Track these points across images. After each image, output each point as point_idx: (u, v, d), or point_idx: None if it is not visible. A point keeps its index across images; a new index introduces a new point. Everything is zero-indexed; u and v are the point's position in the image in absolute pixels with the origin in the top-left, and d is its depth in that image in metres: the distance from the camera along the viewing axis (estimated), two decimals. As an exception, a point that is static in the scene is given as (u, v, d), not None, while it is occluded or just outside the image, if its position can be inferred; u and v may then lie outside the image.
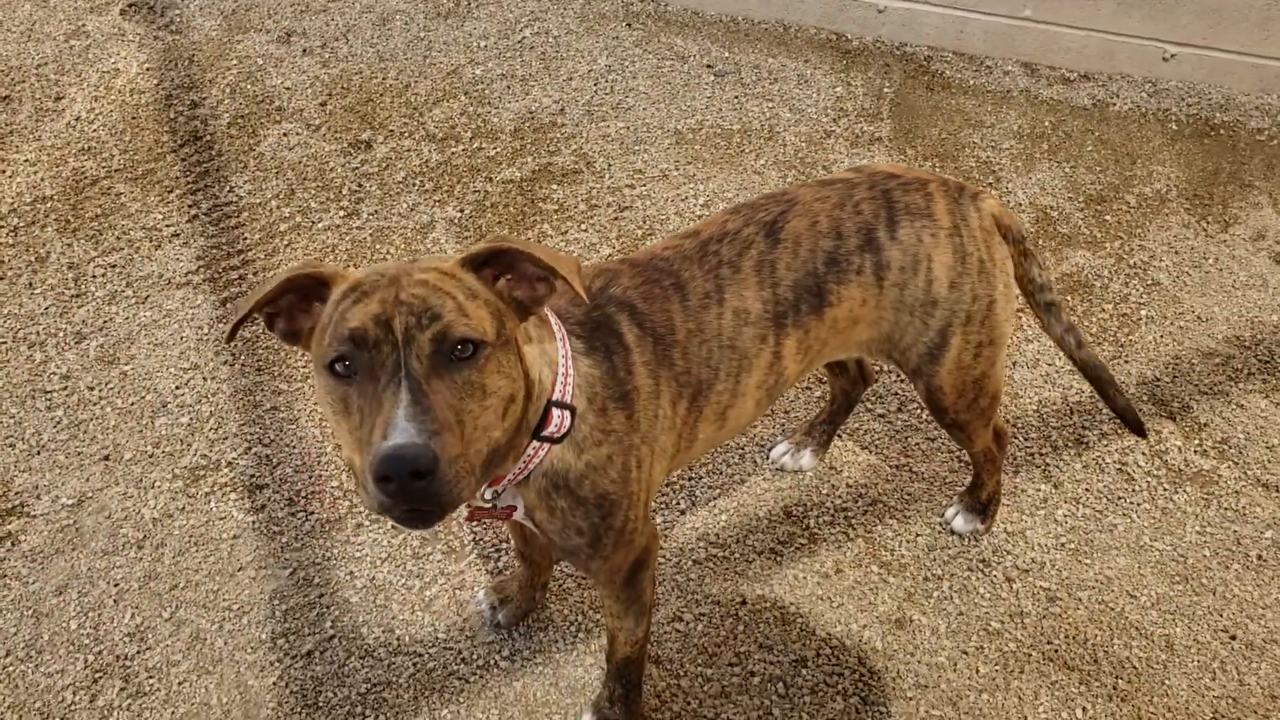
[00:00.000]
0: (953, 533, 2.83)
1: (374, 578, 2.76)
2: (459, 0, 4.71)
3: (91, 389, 3.22)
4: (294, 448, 3.05)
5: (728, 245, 2.02)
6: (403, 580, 2.76)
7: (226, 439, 3.08)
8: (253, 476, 2.99)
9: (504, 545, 2.84)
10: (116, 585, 2.75)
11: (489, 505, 1.87)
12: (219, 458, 3.04)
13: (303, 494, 2.95)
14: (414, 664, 2.60)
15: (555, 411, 1.73)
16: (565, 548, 1.95)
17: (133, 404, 3.18)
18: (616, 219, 3.69)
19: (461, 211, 3.74)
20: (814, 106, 4.17)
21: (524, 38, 4.50)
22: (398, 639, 2.64)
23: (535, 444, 1.75)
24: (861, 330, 2.16)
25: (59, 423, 3.13)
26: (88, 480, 2.99)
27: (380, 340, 1.45)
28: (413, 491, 1.36)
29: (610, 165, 3.91)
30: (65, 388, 3.22)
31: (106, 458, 3.04)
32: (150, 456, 3.04)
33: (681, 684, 2.55)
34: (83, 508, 2.92)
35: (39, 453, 3.06)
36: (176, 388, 3.22)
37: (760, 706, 2.50)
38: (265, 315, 1.64)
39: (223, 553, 2.82)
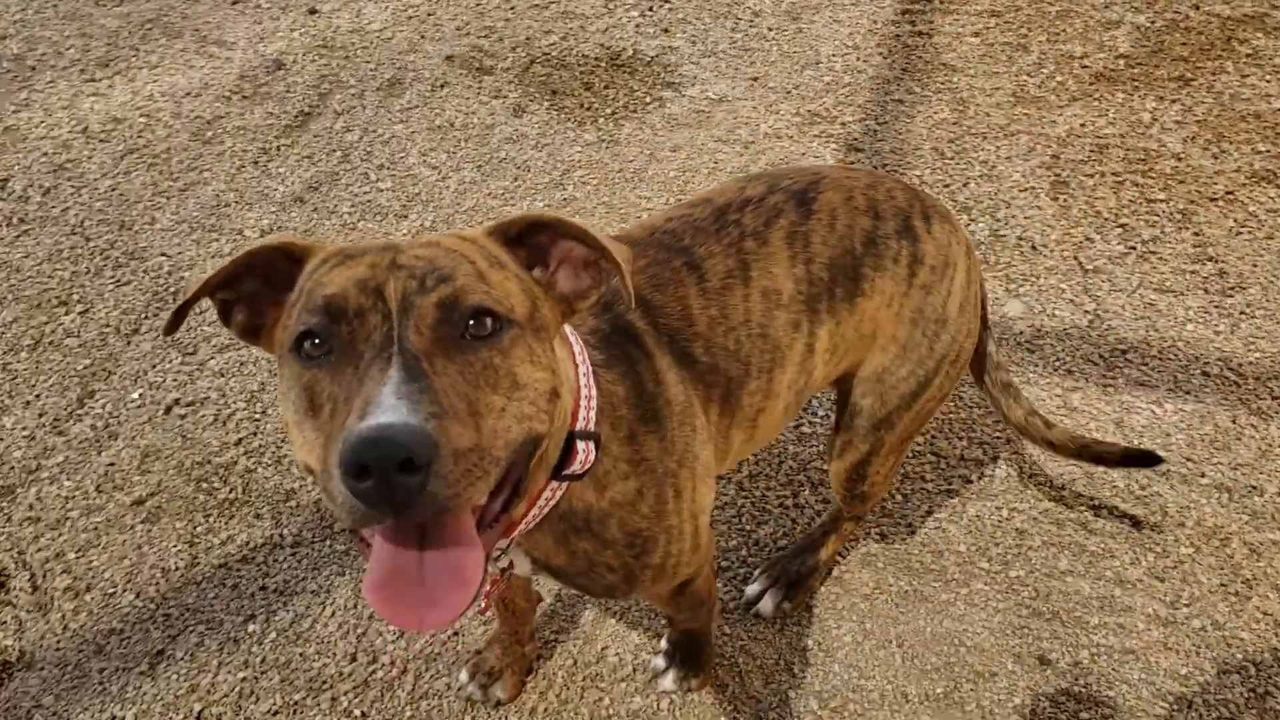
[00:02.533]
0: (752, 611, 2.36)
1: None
2: None
3: (770, 30, 3.72)
4: (901, 137, 3.34)
5: (751, 213, 1.69)
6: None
7: (850, 107, 3.45)
8: (854, 138, 3.34)
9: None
10: (714, 164, 3.26)
11: (499, 571, 1.47)
12: (837, 115, 3.42)
13: (885, 168, 3.25)
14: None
15: (580, 444, 1.35)
16: (594, 589, 1.60)
17: (793, 52, 3.64)
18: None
19: (1152, 22, 3.72)
20: None
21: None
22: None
23: (554, 484, 1.37)
24: (868, 347, 1.83)
25: (734, 42, 3.67)
26: (732, 88, 3.51)
27: (365, 310, 1.10)
28: (400, 491, 0.96)
29: (1329, 36, 3.66)
30: (752, 21, 3.76)
31: (754, 79, 3.54)
32: (785, 92, 3.49)
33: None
34: (719, 105, 3.45)
35: (709, 56, 3.63)
36: (832, 54, 3.62)
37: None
38: (219, 302, 1.28)
39: (803, 178, 3.22)
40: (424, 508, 0.98)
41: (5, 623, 2.36)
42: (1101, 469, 2.49)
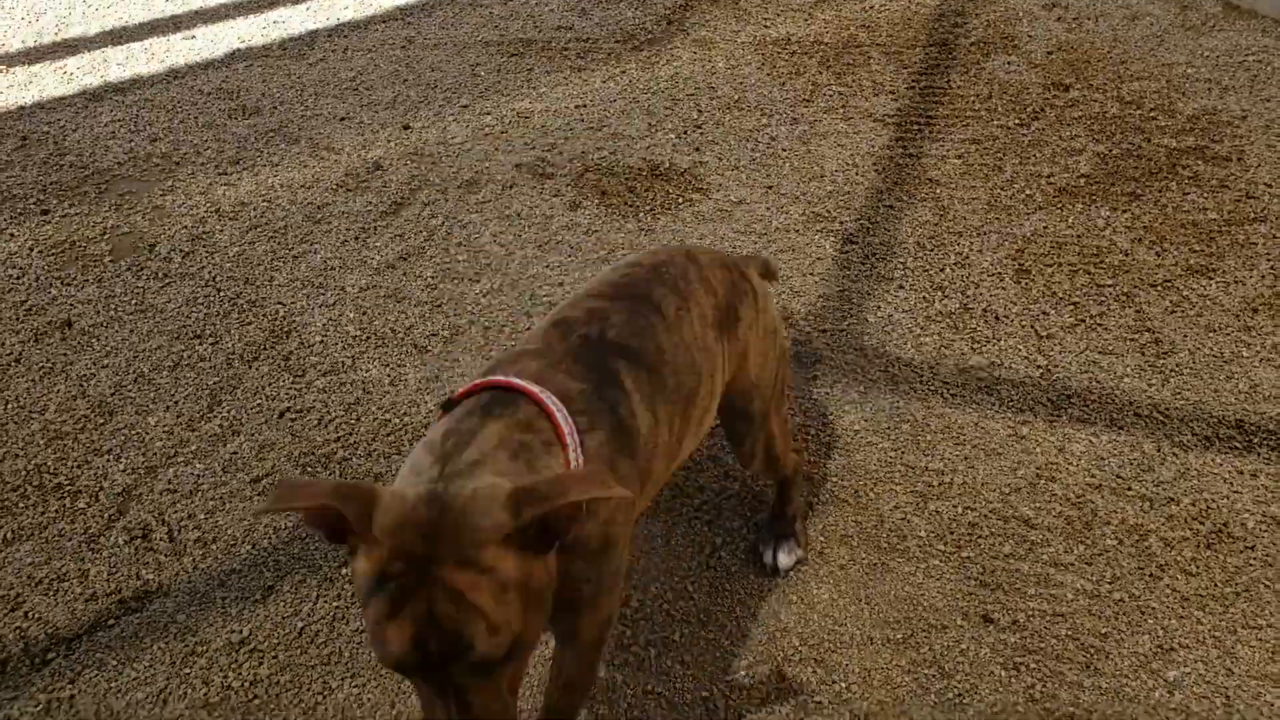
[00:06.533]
0: (778, 572, 2.89)
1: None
2: (1205, 19, 5.29)
3: (784, 150, 4.46)
4: (889, 233, 4.00)
5: (672, 270, 2.22)
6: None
7: (848, 210, 4.13)
8: (850, 233, 4.01)
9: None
10: (733, 248, 3.93)
11: None
12: (837, 216, 4.10)
13: (874, 256, 3.90)
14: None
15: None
16: (566, 605, 1.87)
17: (803, 167, 4.35)
18: (1237, 203, 4.10)
19: (1109, 150, 4.41)
20: None
21: (1244, 60, 4.97)
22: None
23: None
24: (743, 364, 2.40)
25: (754, 159, 4.40)
26: (750, 193, 4.22)
27: (421, 665, 1.47)
28: None
29: (1260, 165, 4.31)
30: (769, 144, 4.50)
31: (769, 187, 4.25)
32: (794, 198, 4.19)
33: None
34: (739, 206, 4.16)
35: (732, 169, 4.36)
36: (835, 170, 4.34)
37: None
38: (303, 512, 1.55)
39: (804, 260, 3.88)
40: None
41: (148, 563, 2.94)
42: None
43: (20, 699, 2.67)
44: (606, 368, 1.95)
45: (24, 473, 3.21)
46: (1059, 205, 4.11)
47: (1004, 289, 3.73)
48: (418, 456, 1.66)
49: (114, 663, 2.74)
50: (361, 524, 1.47)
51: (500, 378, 1.80)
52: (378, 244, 4.01)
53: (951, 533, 2.96)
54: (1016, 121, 4.62)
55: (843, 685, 2.64)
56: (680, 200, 4.18)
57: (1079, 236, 3.95)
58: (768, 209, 4.13)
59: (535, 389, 1.77)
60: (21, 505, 3.12)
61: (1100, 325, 3.58)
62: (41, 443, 3.31)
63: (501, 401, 1.75)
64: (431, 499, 1.50)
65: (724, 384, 2.33)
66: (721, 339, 2.25)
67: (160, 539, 3.01)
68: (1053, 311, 3.64)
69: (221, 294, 3.80)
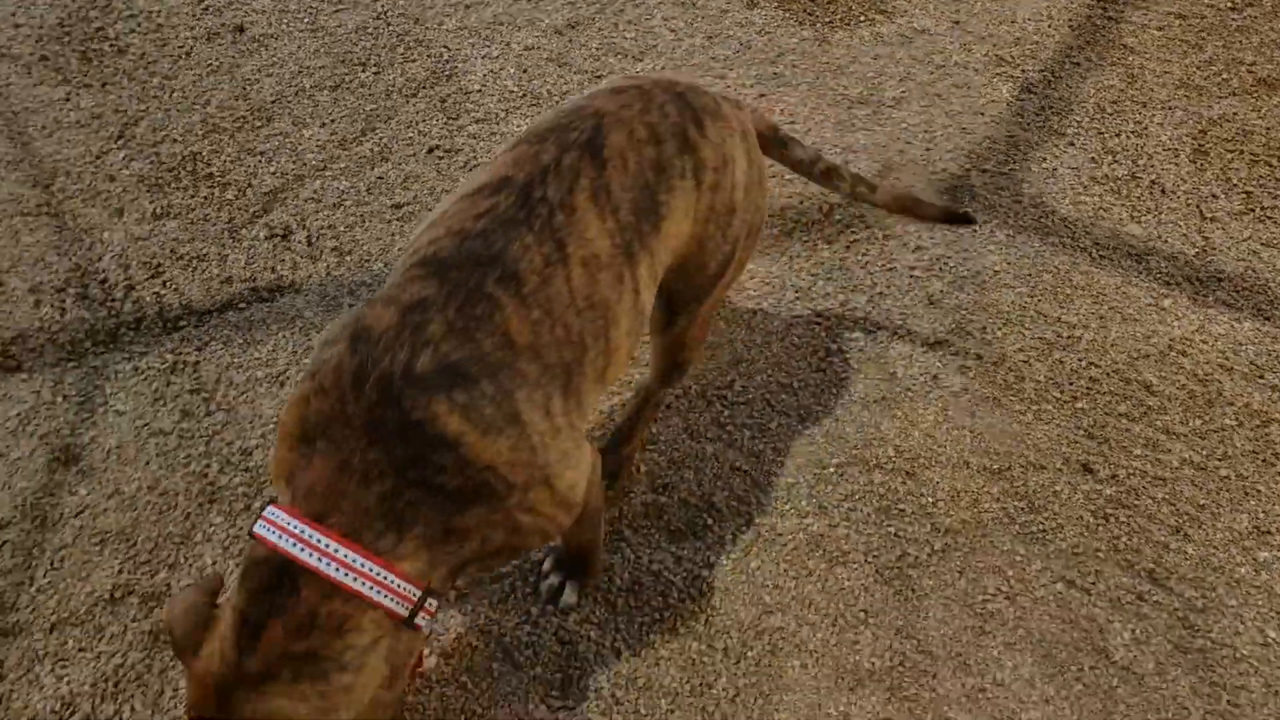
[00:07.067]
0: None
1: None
2: None
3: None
4: (1071, 90, 3.83)
5: (553, 184, 1.69)
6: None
7: (1034, 60, 3.96)
8: (1031, 82, 3.85)
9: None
10: (905, 74, 3.81)
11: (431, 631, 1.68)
12: (1020, 63, 3.93)
13: (1050, 109, 3.75)
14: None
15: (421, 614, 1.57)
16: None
17: (994, 9, 4.18)
18: None
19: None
20: None
21: None
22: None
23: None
24: (677, 253, 1.94)
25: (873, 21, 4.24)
26: (935, 25, 4.06)
27: None
28: None
29: None
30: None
31: (956, 22, 4.09)
32: (980, 38, 4.03)
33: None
34: (920, 34, 4.01)
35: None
36: (1027, 18, 4.14)
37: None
38: None
39: (977, 100, 3.75)
40: None
41: (284, 260, 3.07)
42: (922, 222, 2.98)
43: (150, 355, 2.83)
44: (419, 427, 1.50)
45: (180, 157, 3.35)
46: (1255, 95, 3.88)
47: (1177, 165, 3.57)
48: (226, 631, 1.50)
49: (240, 341, 2.88)
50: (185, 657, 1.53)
51: (281, 544, 1.47)
52: (549, 7, 3.98)
53: (1070, 383, 2.91)
54: (1229, 5, 4.34)
55: (930, 500, 2.66)
56: (861, 18, 4.05)
57: (1269, 129, 3.73)
58: (950, 43, 3.98)
59: (314, 560, 1.46)
60: (173, 186, 3.26)
61: (1270, 218, 3.41)
62: (200, 134, 3.43)
63: (282, 584, 1.47)
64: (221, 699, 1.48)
65: (648, 305, 1.90)
66: (631, 269, 1.77)
67: (299, 241, 3.12)
68: (1222, 196, 3.47)
69: (391, 28, 3.84)
